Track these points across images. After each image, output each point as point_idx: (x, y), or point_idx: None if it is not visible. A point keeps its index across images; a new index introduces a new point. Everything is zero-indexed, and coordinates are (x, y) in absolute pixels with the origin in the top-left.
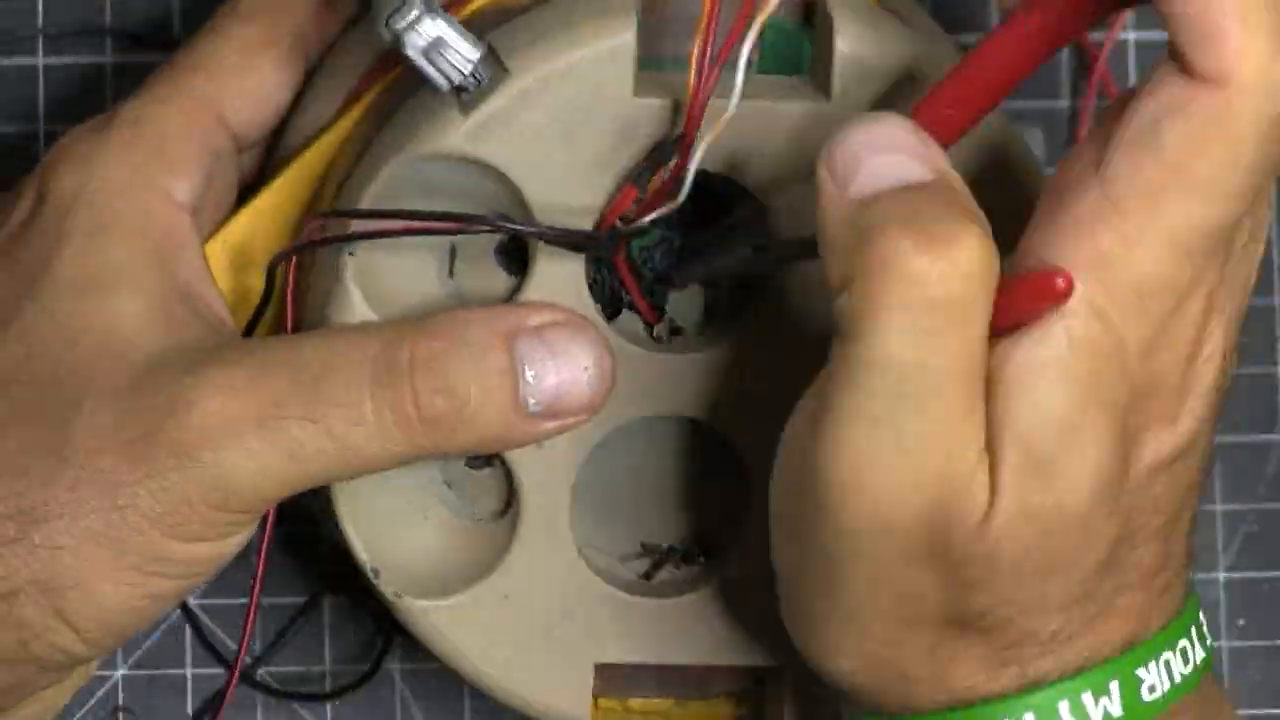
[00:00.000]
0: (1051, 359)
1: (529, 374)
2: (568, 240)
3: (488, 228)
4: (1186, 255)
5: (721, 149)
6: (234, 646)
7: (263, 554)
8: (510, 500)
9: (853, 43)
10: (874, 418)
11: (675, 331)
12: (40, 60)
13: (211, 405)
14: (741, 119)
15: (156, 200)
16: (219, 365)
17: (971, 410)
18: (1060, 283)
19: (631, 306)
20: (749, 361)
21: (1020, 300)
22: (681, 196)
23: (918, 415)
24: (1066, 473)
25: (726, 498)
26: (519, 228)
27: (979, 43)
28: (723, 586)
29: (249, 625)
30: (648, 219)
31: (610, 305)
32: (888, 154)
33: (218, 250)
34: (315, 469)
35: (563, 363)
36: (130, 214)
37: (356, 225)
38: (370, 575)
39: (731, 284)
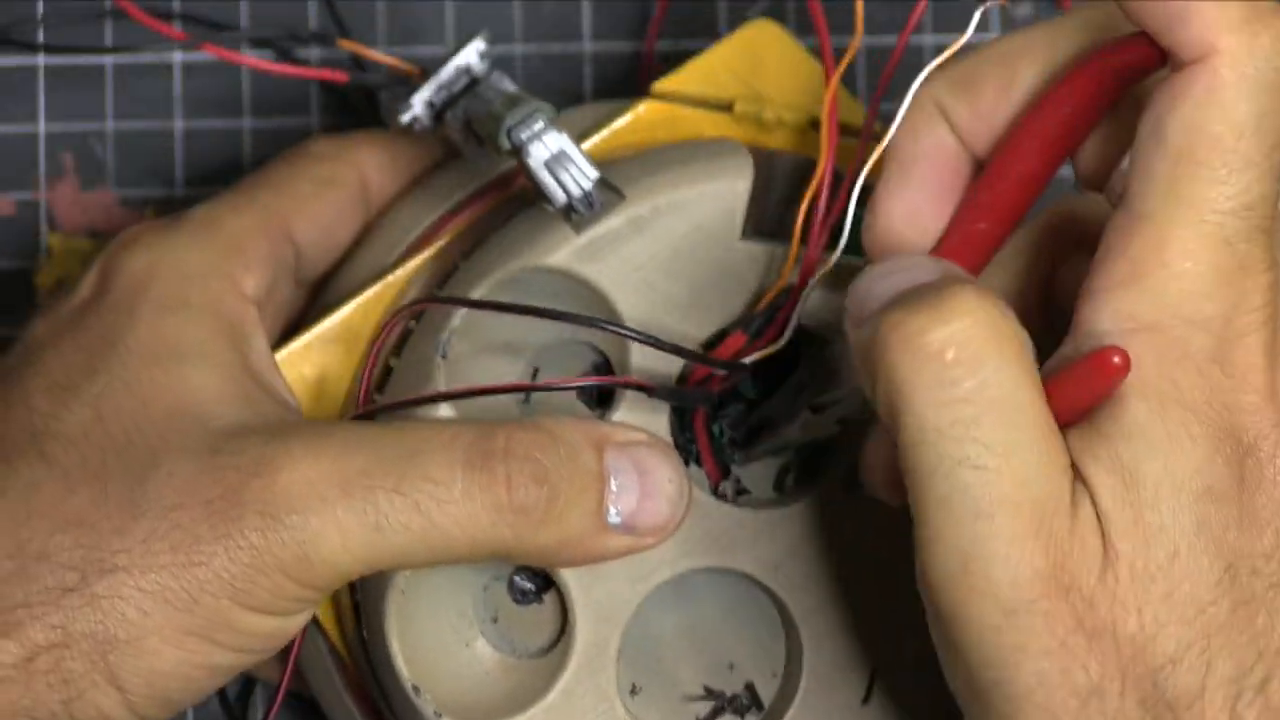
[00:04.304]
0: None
1: (614, 484)
2: (668, 394)
3: (601, 328)
4: (1224, 242)
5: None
6: None
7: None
8: (558, 638)
9: None
10: (942, 498)
11: (742, 492)
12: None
13: (299, 469)
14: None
15: (227, 289)
16: (305, 435)
17: (1044, 435)
18: (1116, 359)
19: (699, 462)
20: (817, 524)
21: (1081, 389)
22: (783, 340)
23: (979, 473)
24: (1162, 485)
25: (774, 656)
26: (632, 333)
27: (997, 154)
28: None
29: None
30: (749, 359)
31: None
32: (895, 274)
33: (298, 366)
34: (398, 546)
35: (647, 480)
36: (202, 296)
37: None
38: (411, 692)
39: (803, 450)
